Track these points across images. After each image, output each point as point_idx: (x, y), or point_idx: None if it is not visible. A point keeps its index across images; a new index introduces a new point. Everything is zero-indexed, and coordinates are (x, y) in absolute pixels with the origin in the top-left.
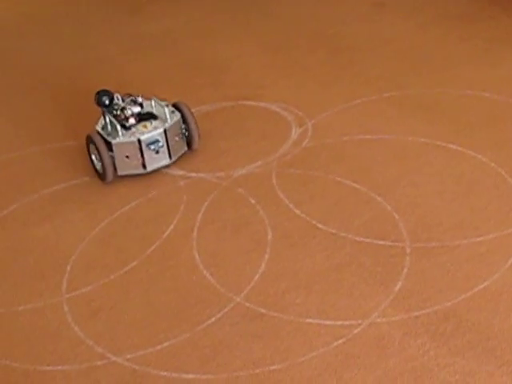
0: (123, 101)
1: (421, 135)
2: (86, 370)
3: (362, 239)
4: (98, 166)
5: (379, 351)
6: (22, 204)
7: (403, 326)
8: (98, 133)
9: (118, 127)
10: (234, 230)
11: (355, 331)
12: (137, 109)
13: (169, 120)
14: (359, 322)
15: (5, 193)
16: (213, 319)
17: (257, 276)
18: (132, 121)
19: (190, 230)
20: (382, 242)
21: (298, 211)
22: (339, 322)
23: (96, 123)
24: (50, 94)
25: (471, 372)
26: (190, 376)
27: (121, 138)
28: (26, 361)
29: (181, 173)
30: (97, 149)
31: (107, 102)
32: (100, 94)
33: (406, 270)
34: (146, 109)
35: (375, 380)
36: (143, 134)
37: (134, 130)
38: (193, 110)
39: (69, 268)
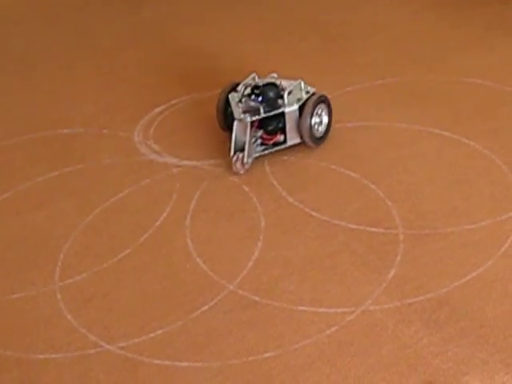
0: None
1: (414, 122)
2: (79, 358)
3: (355, 226)
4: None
5: (372, 339)
6: (15, 192)
7: (396, 314)
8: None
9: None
10: (227, 218)
11: (348, 319)
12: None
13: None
14: (352, 309)
15: None
16: (206, 307)
17: (250, 263)
18: None
19: (183, 217)
20: (375, 230)
21: (291, 199)
22: (332, 310)
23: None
24: (44, 81)
25: (464, 359)
26: (184, 364)
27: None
28: (18, 349)
29: (174, 160)
30: (327, 105)
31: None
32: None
33: (399, 258)
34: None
35: (368, 367)
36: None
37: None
38: (185, 98)
39: (62, 256)
